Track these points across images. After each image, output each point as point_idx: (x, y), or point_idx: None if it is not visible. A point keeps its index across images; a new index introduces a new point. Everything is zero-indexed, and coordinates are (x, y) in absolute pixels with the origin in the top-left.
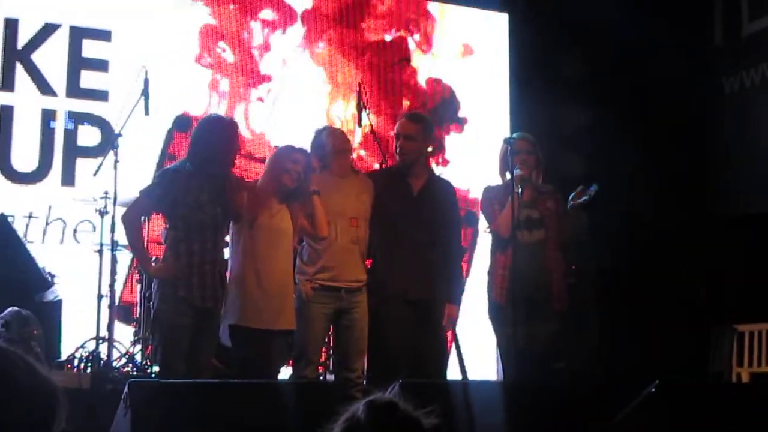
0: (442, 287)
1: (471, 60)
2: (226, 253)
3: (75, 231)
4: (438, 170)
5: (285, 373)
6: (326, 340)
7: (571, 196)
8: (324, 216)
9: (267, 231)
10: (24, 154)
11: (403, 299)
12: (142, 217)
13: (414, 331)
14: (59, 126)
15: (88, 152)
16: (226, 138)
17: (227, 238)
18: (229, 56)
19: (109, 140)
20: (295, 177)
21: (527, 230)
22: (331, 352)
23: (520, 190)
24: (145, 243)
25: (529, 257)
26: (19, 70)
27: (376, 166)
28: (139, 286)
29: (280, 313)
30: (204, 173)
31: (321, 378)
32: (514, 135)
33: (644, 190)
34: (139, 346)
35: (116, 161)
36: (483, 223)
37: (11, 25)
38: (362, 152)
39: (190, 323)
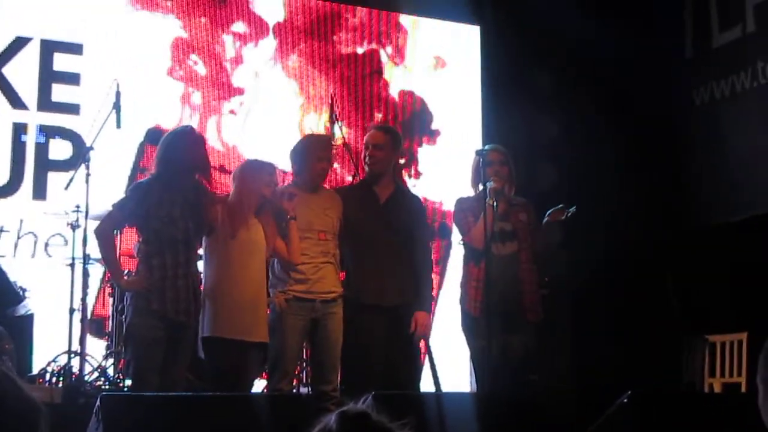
0: (413, 294)
1: (443, 72)
2: (200, 266)
3: (46, 245)
4: (410, 182)
5: (259, 386)
6: (301, 353)
7: (548, 213)
8: (299, 243)
9: (242, 243)
10: None
11: (378, 307)
12: (115, 231)
13: (387, 340)
14: (30, 139)
15: (60, 166)
16: (195, 150)
17: (200, 251)
18: (201, 69)
19: (81, 154)
20: (273, 189)
21: (500, 242)
22: (305, 364)
23: (494, 203)
24: (118, 256)
25: (503, 269)
26: None
27: (349, 179)
28: (111, 299)
29: (254, 324)
30: (176, 187)
31: (295, 391)
32: (487, 147)
33: (618, 201)
34: (111, 360)
35: (88, 175)
36: (456, 236)
37: None
38: (335, 165)
39: (163, 337)
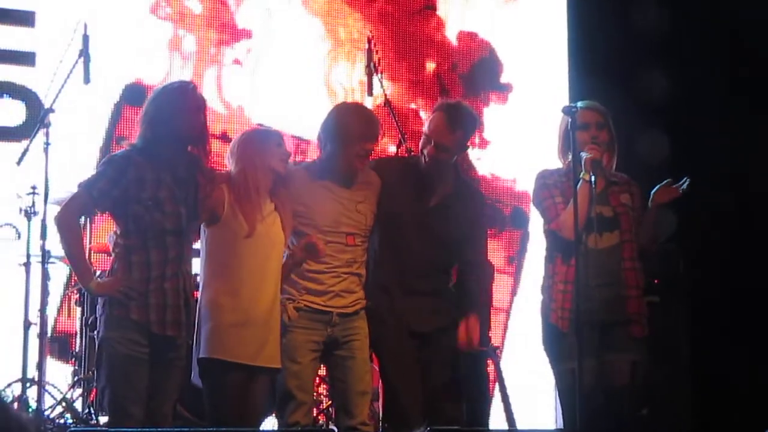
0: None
1: (517, 7)
2: (195, 264)
3: None
4: (475, 154)
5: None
6: (317, 379)
7: (654, 192)
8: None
9: (258, 240)
10: None
11: (407, 330)
12: (83, 218)
13: (424, 363)
14: None
15: (10, 134)
16: (194, 115)
17: (195, 245)
18: (195, 5)
19: (38, 118)
20: (286, 162)
21: (597, 232)
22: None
23: (592, 178)
24: (87, 252)
25: (599, 267)
26: None
27: (393, 149)
28: (78, 309)
29: (265, 345)
30: (164, 161)
31: (323, 427)
32: (579, 104)
33: (745, 184)
34: (79, 390)
35: (47, 145)
36: (536, 223)
37: None
38: None
39: (146, 356)
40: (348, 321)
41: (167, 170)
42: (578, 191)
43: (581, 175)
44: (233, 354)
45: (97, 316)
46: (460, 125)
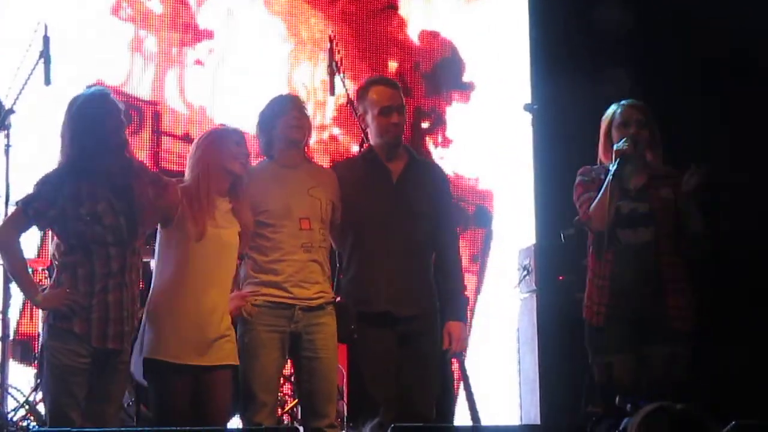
0: (436, 300)
1: (479, 6)
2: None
3: None
4: (438, 153)
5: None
6: (280, 378)
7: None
8: None
9: (209, 242)
10: None
11: (390, 317)
12: (20, 235)
13: (400, 360)
14: None
15: None
16: (111, 116)
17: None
18: (156, 6)
19: None
20: (245, 162)
21: (630, 228)
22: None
23: (612, 168)
24: (28, 267)
25: (635, 263)
26: None
27: (355, 148)
28: (41, 313)
29: (211, 345)
30: (98, 174)
31: (288, 426)
32: (622, 102)
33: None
34: (41, 393)
35: (8, 146)
36: (499, 223)
37: None
38: (336, 130)
39: (87, 365)
40: (312, 316)
41: (104, 182)
42: (606, 183)
43: (610, 167)
44: (177, 356)
45: (42, 322)
46: (397, 84)
